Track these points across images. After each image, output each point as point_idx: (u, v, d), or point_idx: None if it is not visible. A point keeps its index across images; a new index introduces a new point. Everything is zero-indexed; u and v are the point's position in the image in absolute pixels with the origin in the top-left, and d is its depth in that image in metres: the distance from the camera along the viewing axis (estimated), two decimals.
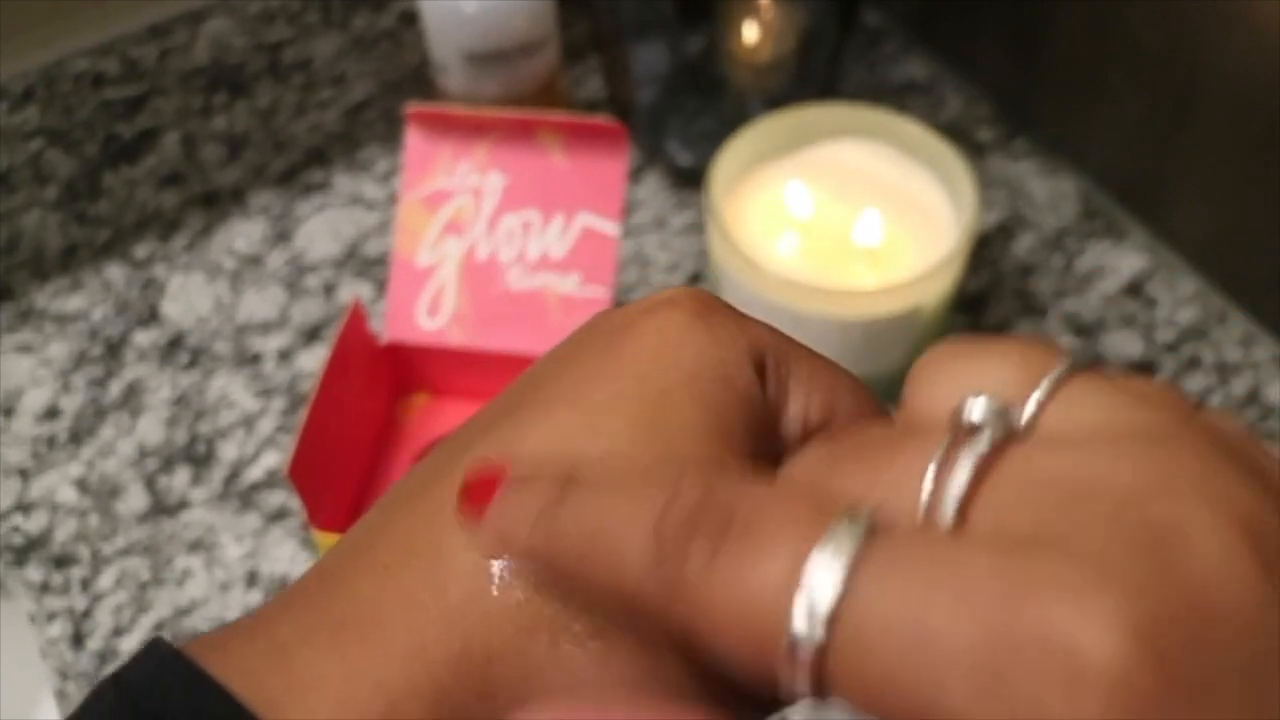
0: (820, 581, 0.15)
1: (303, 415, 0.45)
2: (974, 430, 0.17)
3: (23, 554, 0.55)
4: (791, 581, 0.15)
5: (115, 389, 0.61)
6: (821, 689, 0.16)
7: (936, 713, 0.14)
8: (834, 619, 0.15)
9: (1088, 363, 0.19)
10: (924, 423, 0.19)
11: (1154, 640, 0.14)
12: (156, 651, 0.19)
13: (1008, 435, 0.17)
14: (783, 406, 0.22)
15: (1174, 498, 0.15)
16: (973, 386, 0.18)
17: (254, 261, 0.65)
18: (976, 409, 0.18)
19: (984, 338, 0.20)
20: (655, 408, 0.20)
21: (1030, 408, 0.18)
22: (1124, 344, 0.60)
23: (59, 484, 0.57)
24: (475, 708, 0.19)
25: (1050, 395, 0.18)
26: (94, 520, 0.56)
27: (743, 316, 0.22)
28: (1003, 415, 0.18)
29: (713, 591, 0.16)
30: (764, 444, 0.21)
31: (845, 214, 0.56)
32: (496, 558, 0.19)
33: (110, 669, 0.52)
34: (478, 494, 0.19)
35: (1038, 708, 0.14)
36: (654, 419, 0.20)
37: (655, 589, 0.17)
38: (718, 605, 0.16)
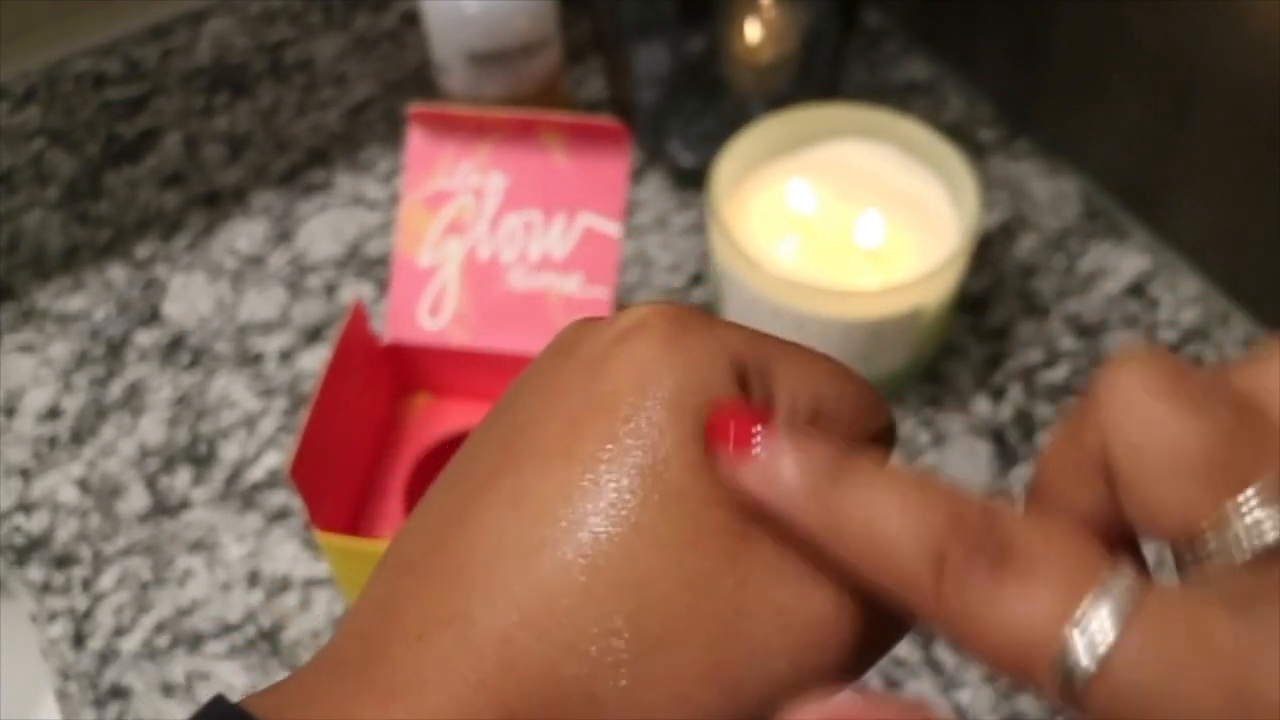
0: (1100, 625, 0.17)
1: (304, 415, 0.45)
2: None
3: (24, 554, 0.55)
4: (1065, 617, 0.17)
5: (117, 389, 0.61)
6: (1082, 708, 0.18)
7: None
8: (1107, 659, 0.17)
9: None
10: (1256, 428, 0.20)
11: None
12: (220, 710, 0.20)
13: None
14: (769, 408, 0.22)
15: None
16: None
17: (255, 261, 0.65)
18: None
19: None
20: (647, 454, 0.20)
21: None
22: (1126, 344, 0.60)
23: (60, 484, 0.57)
24: None
25: None
26: (95, 520, 0.56)
27: (716, 327, 0.22)
28: None
29: (988, 613, 0.18)
30: None
31: (847, 214, 0.56)
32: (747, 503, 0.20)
33: (111, 669, 0.52)
34: (738, 433, 0.20)
35: None
36: (652, 474, 0.20)
37: (931, 602, 0.18)
38: (991, 626, 0.18)
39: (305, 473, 0.44)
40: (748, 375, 0.22)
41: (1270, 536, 0.18)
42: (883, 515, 0.19)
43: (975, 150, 0.68)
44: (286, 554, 0.54)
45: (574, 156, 0.52)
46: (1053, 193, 0.66)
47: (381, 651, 0.20)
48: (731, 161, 0.55)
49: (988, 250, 0.63)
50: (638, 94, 0.66)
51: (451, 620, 0.20)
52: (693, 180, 0.66)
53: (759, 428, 0.20)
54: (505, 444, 0.22)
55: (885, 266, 0.55)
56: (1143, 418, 0.20)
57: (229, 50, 0.64)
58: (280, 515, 0.55)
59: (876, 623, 0.21)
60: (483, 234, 0.53)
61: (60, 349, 0.62)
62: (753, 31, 0.62)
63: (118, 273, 0.65)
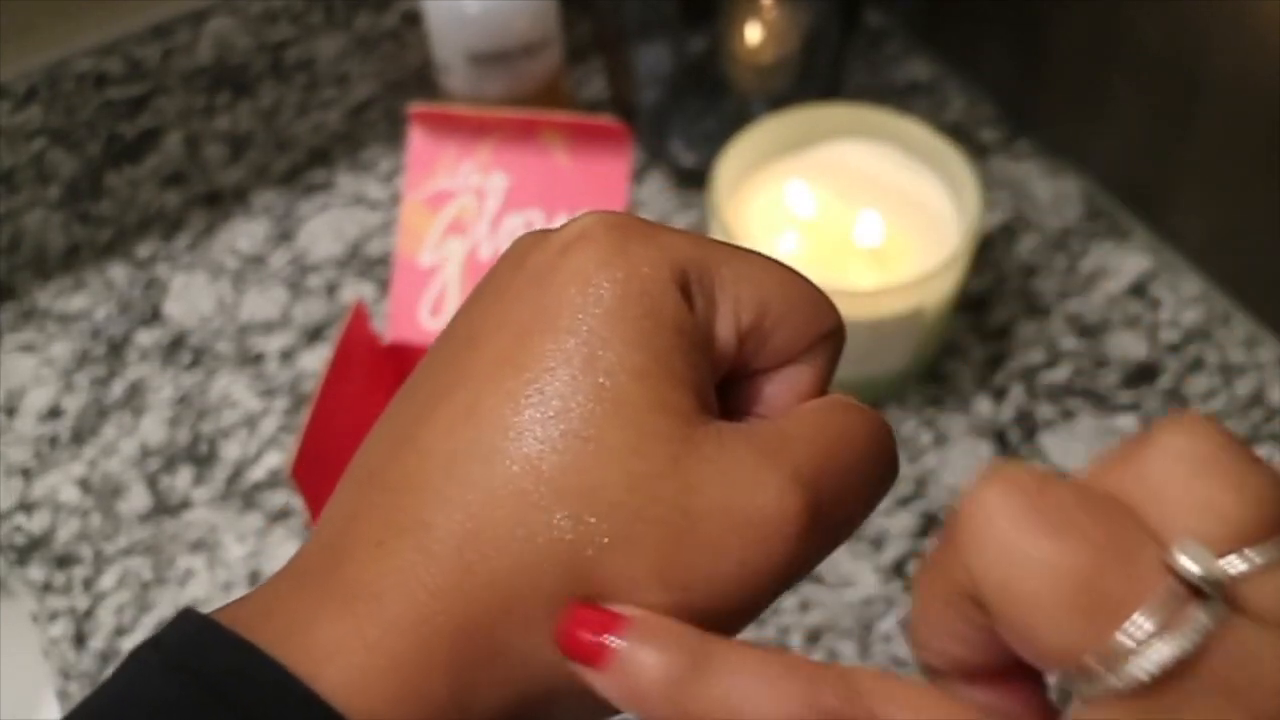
0: None
1: (305, 415, 0.45)
2: (1194, 591, 0.18)
3: (25, 553, 0.55)
4: None
5: (118, 389, 0.61)
6: None
7: None
8: None
9: None
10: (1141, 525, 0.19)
11: None
12: (191, 619, 0.20)
13: (1225, 614, 0.18)
14: (713, 317, 0.22)
15: None
16: (1204, 514, 0.19)
17: (256, 261, 0.65)
18: (1196, 564, 0.18)
19: (1232, 449, 0.20)
20: (592, 363, 0.21)
21: (1244, 565, 0.18)
22: (1127, 345, 0.59)
23: (61, 483, 0.57)
24: (485, 671, 0.20)
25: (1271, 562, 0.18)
26: (96, 520, 0.56)
27: (659, 234, 0.22)
28: (1219, 585, 0.18)
29: None
30: (704, 362, 0.22)
31: (848, 214, 0.56)
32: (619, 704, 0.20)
33: (112, 669, 0.52)
34: (592, 650, 0.20)
35: None
36: (596, 383, 0.20)
37: None
38: None
39: (306, 473, 0.44)
40: (689, 282, 0.22)
41: (1165, 659, 0.17)
42: (745, 705, 0.19)
43: (976, 150, 0.68)
44: (287, 554, 0.54)
45: (575, 156, 0.52)
46: (1054, 193, 0.66)
47: (342, 560, 0.21)
48: (733, 161, 0.55)
49: (989, 250, 0.63)
50: (639, 94, 0.66)
51: (410, 528, 0.20)
52: (694, 180, 0.66)
53: (609, 637, 0.20)
54: (457, 356, 0.22)
55: (886, 266, 0.55)
56: (1005, 553, 0.19)
57: (230, 50, 0.63)
58: (281, 515, 0.55)
59: (823, 518, 0.21)
60: (484, 234, 0.52)
61: (61, 349, 0.62)
62: (754, 32, 0.62)
63: (119, 272, 0.65)
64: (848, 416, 0.23)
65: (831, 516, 0.21)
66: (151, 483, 0.57)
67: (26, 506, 0.56)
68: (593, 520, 0.20)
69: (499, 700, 0.20)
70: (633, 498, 0.20)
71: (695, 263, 0.22)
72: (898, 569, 0.53)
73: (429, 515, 0.20)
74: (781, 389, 0.23)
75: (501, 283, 0.23)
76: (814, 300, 0.23)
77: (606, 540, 0.20)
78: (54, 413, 0.60)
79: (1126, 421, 0.57)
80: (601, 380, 0.20)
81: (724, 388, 0.24)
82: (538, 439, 0.20)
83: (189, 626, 0.20)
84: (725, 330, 0.22)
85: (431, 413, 0.21)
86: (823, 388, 0.24)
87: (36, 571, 0.54)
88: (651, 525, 0.20)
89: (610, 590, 0.20)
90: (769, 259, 0.23)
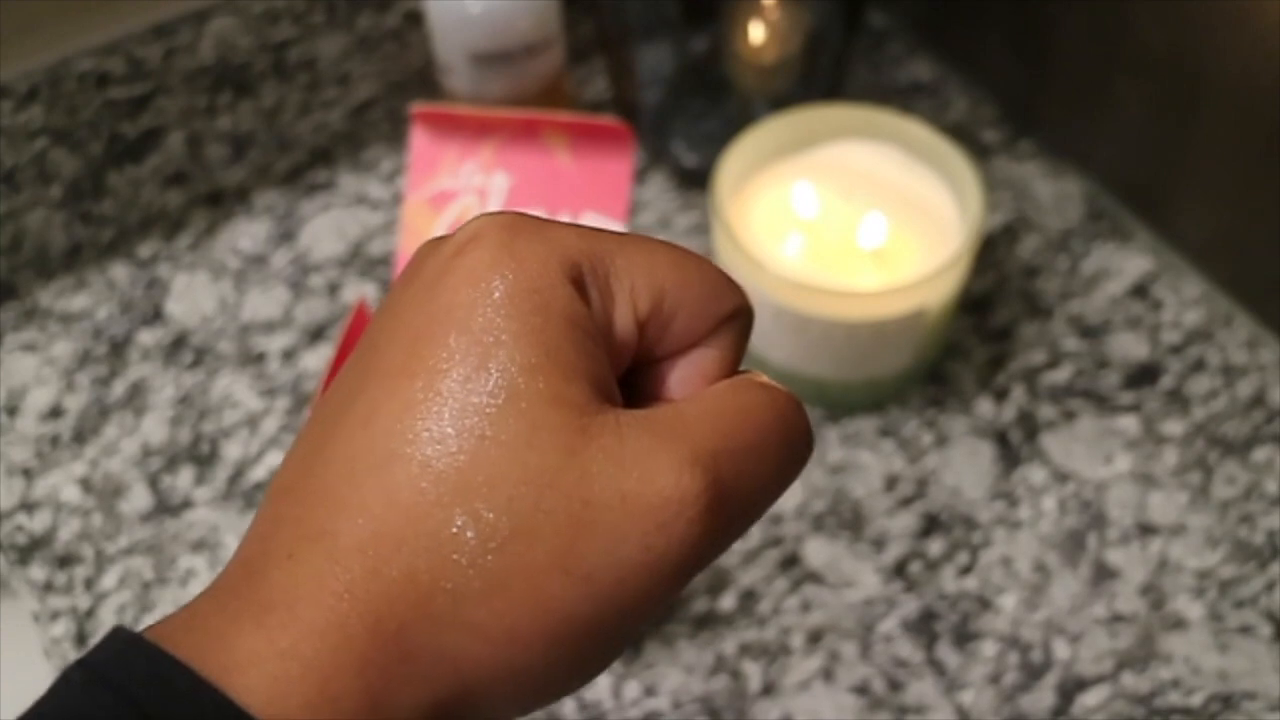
0: None
1: (306, 415, 0.45)
2: None
3: (26, 553, 0.55)
4: None
5: (119, 388, 0.61)
6: None
7: None
8: None
9: None
10: None
11: None
12: (118, 637, 0.21)
13: None
14: (610, 308, 0.23)
15: None
16: None
17: (258, 261, 0.65)
18: None
19: None
20: (484, 362, 0.21)
21: None
22: (1129, 346, 0.59)
23: (63, 483, 0.57)
24: (398, 671, 0.20)
25: None
26: (97, 520, 0.56)
27: (548, 229, 0.23)
28: None
29: None
30: (601, 352, 0.22)
31: (850, 215, 0.56)
32: None
33: None
34: None
35: None
36: (490, 380, 0.21)
37: None
38: None
39: None
40: (582, 274, 0.22)
41: None
42: None
43: (979, 151, 0.68)
44: None
45: (577, 157, 0.52)
46: (1056, 194, 0.66)
47: (257, 574, 0.21)
48: (735, 162, 0.55)
49: (991, 251, 0.63)
50: (641, 94, 0.66)
51: (319, 537, 0.21)
52: (696, 181, 0.66)
53: None
54: (358, 367, 0.23)
55: (888, 267, 0.55)
56: None
57: (232, 50, 0.63)
58: None
59: (727, 498, 0.21)
60: None
61: (63, 348, 0.62)
62: (756, 32, 0.62)
63: (120, 272, 0.65)
64: (750, 394, 0.23)
65: (736, 496, 0.22)
66: (153, 482, 0.57)
67: (28, 506, 0.56)
68: (490, 515, 0.20)
69: (414, 700, 0.20)
70: (529, 490, 0.20)
71: (587, 254, 0.23)
72: (899, 570, 0.53)
73: (334, 523, 0.21)
74: (688, 373, 0.24)
75: (398, 293, 0.23)
76: (714, 282, 0.24)
77: (506, 533, 0.20)
78: (55, 412, 0.60)
79: (1128, 422, 0.57)
80: (495, 377, 0.21)
81: (631, 376, 0.24)
82: (434, 439, 0.21)
83: (115, 644, 0.21)
84: (624, 319, 0.23)
85: (335, 425, 0.22)
86: (730, 369, 0.24)
87: (38, 571, 0.54)
88: (550, 516, 0.20)
89: (514, 583, 0.20)
90: (665, 244, 0.24)
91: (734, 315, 0.24)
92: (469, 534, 0.20)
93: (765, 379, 0.24)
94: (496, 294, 0.21)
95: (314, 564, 0.21)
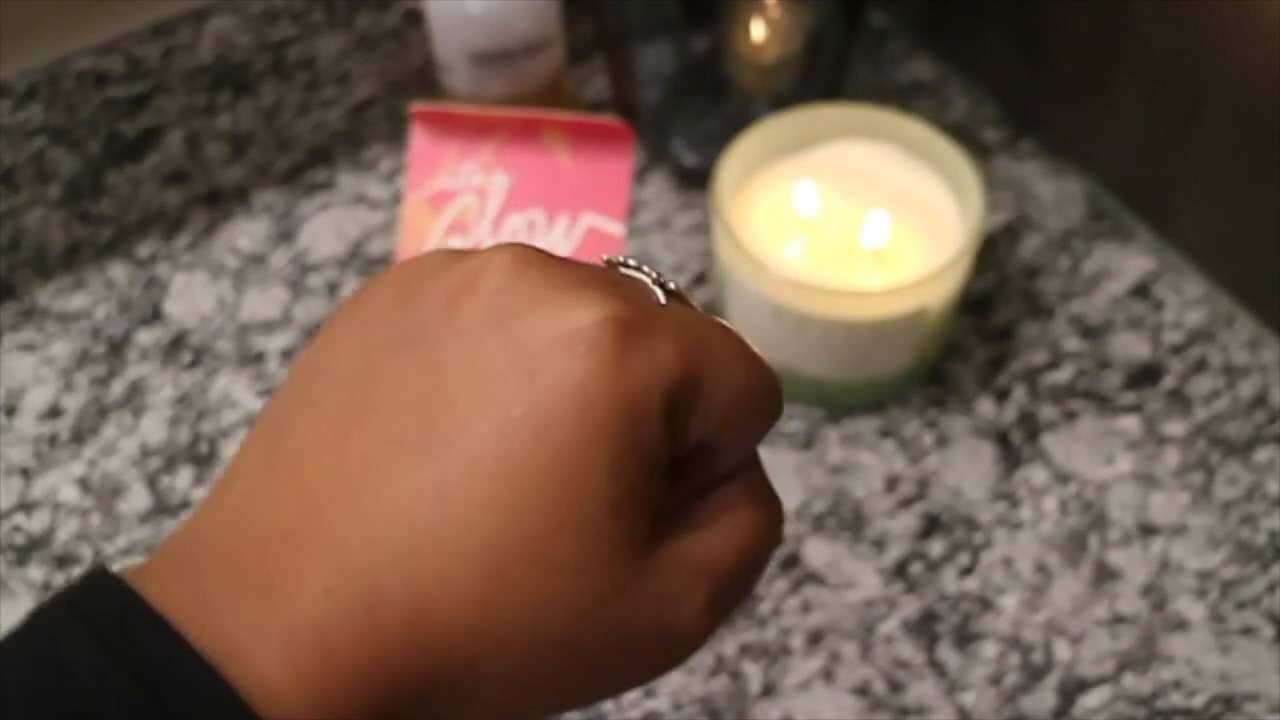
0: None
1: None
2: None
3: (24, 553, 0.55)
4: None
5: (118, 388, 0.60)
6: None
7: None
8: None
9: None
10: None
11: None
12: (110, 588, 0.20)
13: None
14: (683, 440, 0.22)
15: None
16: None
17: (257, 260, 0.65)
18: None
19: None
20: (572, 489, 0.20)
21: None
22: (1131, 346, 0.59)
23: (61, 483, 0.57)
24: (398, 646, 0.20)
25: None
26: (96, 520, 0.56)
27: (656, 340, 0.21)
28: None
29: None
30: (664, 480, 0.22)
31: (851, 215, 0.56)
32: None
33: None
34: None
35: None
36: (572, 510, 0.20)
37: None
38: None
39: None
40: (675, 405, 0.21)
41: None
42: None
43: (980, 151, 0.68)
44: None
45: (577, 156, 0.52)
46: (1057, 193, 0.66)
47: (279, 590, 0.21)
48: (735, 161, 0.55)
49: (992, 251, 0.63)
50: (641, 94, 0.66)
51: (302, 538, 0.21)
52: (696, 180, 0.65)
53: None
54: (358, 403, 0.22)
55: (889, 267, 0.54)
56: None
57: (231, 49, 0.63)
58: None
59: (720, 622, 0.23)
60: (486, 233, 0.52)
61: (61, 348, 0.62)
62: (757, 31, 0.62)
63: (119, 271, 0.65)
64: (757, 515, 0.23)
65: (724, 616, 0.23)
66: (152, 482, 0.57)
67: (26, 506, 0.56)
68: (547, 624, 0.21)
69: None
70: (579, 620, 0.21)
71: (682, 382, 0.21)
72: (899, 570, 0.53)
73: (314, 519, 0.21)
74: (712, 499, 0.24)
75: (472, 338, 0.21)
76: (771, 397, 0.23)
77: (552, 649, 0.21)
78: (54, 412, 0.60)
79: (1129, 423, 0.57)
80: (579, 508, 0.20)
81: None
82: (502, 530, 0.20)
83: (111, 601, 0.20)
84: (686, 444, 0.22)
85: (379, 469, 0.21)
86: (744, 464, 0.24)
87: (36, 571, 0.54)
88: (590, 642, 0.21)
89: (536, 693, 0.22)
90: (745, 352, 0.23)
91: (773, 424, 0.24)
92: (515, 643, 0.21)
93: (765, 482, 0.24)
94: (600, 418, 0.20)
95: (354, 614, 0.20)
